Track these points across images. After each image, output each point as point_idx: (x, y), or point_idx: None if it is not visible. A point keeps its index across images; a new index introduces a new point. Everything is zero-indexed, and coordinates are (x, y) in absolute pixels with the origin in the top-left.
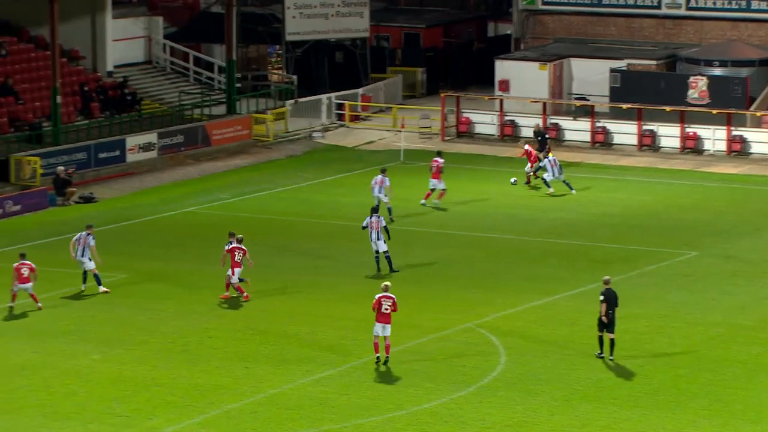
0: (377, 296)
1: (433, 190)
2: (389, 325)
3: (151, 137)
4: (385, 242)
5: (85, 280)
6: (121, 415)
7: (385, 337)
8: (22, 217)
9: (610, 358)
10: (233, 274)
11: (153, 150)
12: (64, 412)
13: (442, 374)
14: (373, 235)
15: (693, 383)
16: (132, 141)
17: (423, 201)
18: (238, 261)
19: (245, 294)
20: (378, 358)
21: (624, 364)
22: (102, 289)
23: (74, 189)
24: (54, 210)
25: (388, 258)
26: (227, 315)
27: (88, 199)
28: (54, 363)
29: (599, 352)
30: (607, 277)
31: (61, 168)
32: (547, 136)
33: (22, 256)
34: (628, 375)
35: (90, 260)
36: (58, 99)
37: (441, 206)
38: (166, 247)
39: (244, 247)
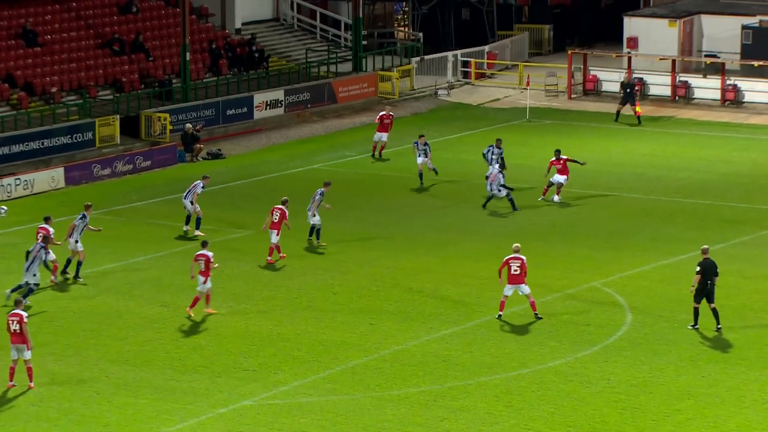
0: (507, 257)
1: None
2: (524, 285)
3: (278, 94)
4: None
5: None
6: (248, 369)
7: (527, 296)
8: (151, 173)
9: (718, 327)
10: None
11: (280, 107)
12: (192, 365)
13: (567, 333)
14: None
15: None
16: (259, 98)
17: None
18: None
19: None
20: (500, 315)
21: (753, 324)
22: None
23: (202, 145)
24: (183, 166)
25: (510, 200)
26: (352, 271)
27: (215, 155)
28: (183, 317)
29: (693, 324)
30: (705, 247)
31: (189, 125)
32: (636, 89)
33: (46, 220)
34: (757, 336)
35: (76, 242)
36: (188, 56)
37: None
38: (291, 204)
39: (285, 209)
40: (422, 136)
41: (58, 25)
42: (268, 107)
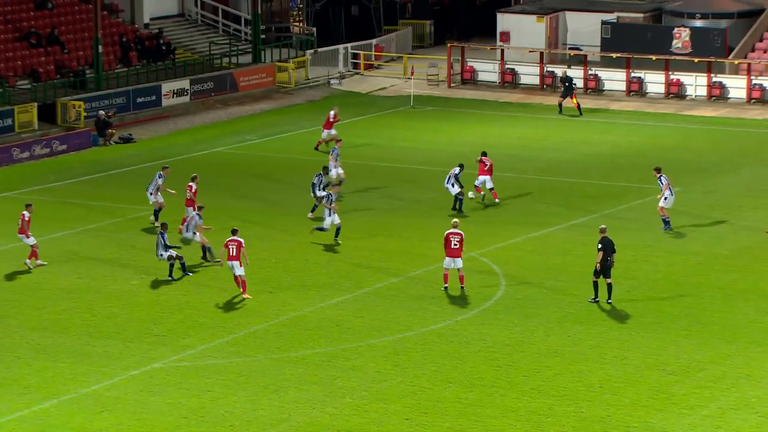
0: (446, 233)
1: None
2: (459, 259)
3: (184, 83)
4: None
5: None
6: (158, 334)
7: (458, 269)
8: (67, 156)
9: (608, 301)
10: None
11: (186, 95)
12: (106, 331)
13: (448, 299)
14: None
15: (674, 307)
16: (167, 87)
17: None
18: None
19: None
20: (446, 287)
21: (613, 289)
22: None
23: (114, 131)
24: (96, 149)
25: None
26: (253, 245)
27: (127, 140)
28: (97, 288)
29: (594, 297)
30: (603, 226)
31: (102, 111)
32: (574, 83)
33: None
34: (616, 300)
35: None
36: (100, 48)
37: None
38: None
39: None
40: (339, 140)
41: None
42: (174, 95)
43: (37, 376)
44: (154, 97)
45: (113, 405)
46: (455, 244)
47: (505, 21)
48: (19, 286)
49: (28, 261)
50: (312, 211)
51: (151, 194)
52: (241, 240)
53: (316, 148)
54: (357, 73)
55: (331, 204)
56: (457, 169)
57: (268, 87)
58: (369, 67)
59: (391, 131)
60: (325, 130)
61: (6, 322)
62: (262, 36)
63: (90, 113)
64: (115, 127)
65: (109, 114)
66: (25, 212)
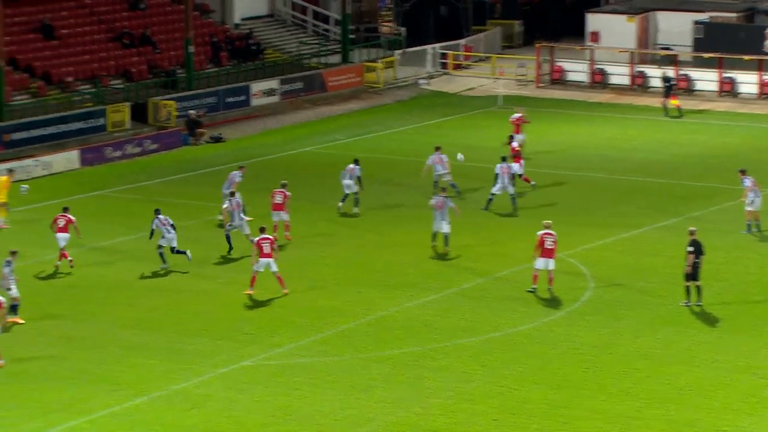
0: (540, 233)
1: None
2: (552, 260)
3: (274, 83)
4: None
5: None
6: (247, 332)
7: (549, 271)
8: (158, 155)
9: (698, 304)
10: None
11: (275, 95)
12: (195, 329)
13: (536, 300)
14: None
15: (766, 309)
16: (256, 87)
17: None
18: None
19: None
20: (534, 289)
21: (704, 292)
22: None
23: (204, 130)
24: (186, 149)
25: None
26: (341, 244)
27: (216, 139)
28: (186, 286)
29: (686, 301)
30: (693, 228)
31: (192, 111)
32: (673, 83)
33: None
34: (707, 302)
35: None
36: (191, 48)
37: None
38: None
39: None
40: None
41: (74, 20)
42: (264, 95)
43: (128, 373)
44: (243, 97)
45: (203, 402)
46: (549, 245)
47: (594, 21)
48: (110, 284)
49: (59, 262)
50: (342, 201)
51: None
52: (272, 237)
53: (519, 162)
54: (445, 74)
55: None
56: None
57: (357, 87)
58: (457, 67)
59: (479, 131)
60: (517, 135)
61: (97, 320)
62: (352, 36)
63: (181, 113)
64: (206, 126)
65: (200, 114)
66: (68, 215)
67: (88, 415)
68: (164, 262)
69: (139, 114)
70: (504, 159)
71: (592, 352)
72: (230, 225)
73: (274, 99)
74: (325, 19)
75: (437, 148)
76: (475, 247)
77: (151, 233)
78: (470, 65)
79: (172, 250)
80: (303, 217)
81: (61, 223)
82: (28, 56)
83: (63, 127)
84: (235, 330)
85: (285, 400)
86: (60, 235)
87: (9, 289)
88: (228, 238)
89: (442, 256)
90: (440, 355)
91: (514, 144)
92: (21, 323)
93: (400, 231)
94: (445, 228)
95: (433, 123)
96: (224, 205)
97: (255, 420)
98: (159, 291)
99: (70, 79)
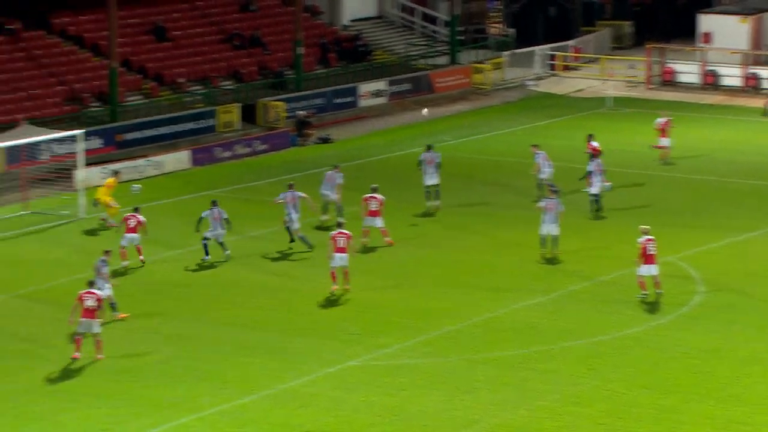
0: (641, 240)
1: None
2: (656, 265)
3: (381, 84)
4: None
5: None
6: (353, 333)
7: (653, 276)
8: (267, 156)
9: None
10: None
11: (383, 96)
12: (301, 329)
13: (643, 304)
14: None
15: None
16: (364, 88)
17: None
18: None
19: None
20: (645, 294)
21: None
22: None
23: (312, 131)
24: (295, 150)
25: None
26: (445, 245)
27: (324, 140)
28: (293, 285)
29: None
30: None
31: (301, 112)
32: None
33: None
34: None
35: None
36: (300, 50)
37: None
38: (393, 183)
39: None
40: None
41: (186, 22)
42: (372, 96)
43: (236, 371)
44: (351, 98)
45: (310, 401)
46: (652, 251)
47: (706, 21)
48: (217, 283)
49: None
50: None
51: (327, 193)
52: (349, 233)
53: (665, 160)
54: (553, 75)
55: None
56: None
57: (464, 88)
58: (566, 68)
59: (587, 133)
60: (663, 139)
61: (206, 318)
62: (460, 37)
63: (289, 113)
64: (314, 127)
65: (308, 114)
66: (138, 216)
67: (197, 413)
68: (206, 254)
69: (249, 115)
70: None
71: (702, 356)
72: (288, 217)
73: (382, 100)
74: (433, 21)
75: (535, 146)
76: (582, 250)
77: (199, 221)
78: (579, 66)
79: (222, 244)
80: (408, 219)
81: (132, 223)
82: (142, 57)
83: (174, 128)
84: (341, 330)
85: (391, 400)
86: (129, 235)
87: (101, 289)
88: (288, 229)
89: (549, 259)
90: (546, 358)
91: (594, 143)
92: (125, 317)
93: (505, 233)
94: (554, 230)
95: (541, 125)
96: (279, 198)
97: (362, 420)
98: (265, 290)
99: (181, 80)
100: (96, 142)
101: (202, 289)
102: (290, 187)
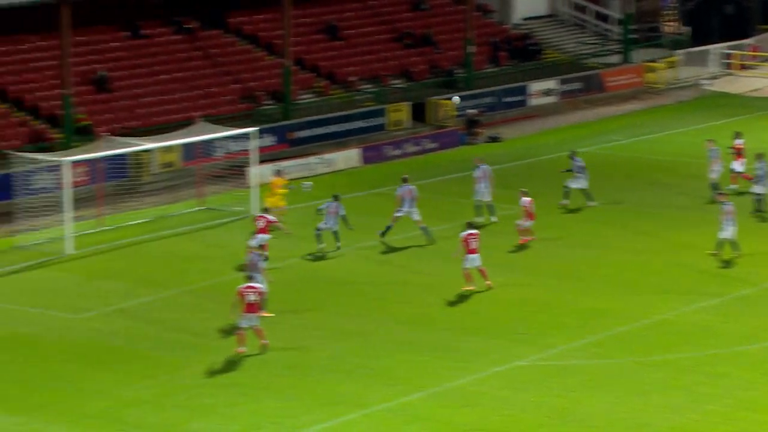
0: None
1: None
2: None
3: (552, 83)
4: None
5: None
6: (520, 332)
7: None
8: (436, 154)
9: None
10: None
11: (553, 95)
12: (469, 328)
13: None
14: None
15: None
16: (534, 87)
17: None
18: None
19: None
20: None
21: None
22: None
23: (482, 130)
24: (464, 148)
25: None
26: (614, 246)
27: (494, 139)
28: (458, 284)
29: None
30: None
31: (471, 110)
32: None
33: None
34: None
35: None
36: (471, 48)
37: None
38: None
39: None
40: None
41: (358, 21)
42: (542, 95)
43: (403, 368)
44: (521, 97)
45: (477, 400)
46: None
47: None
48: (384, 280)
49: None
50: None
51: (481, 193)
52: (477, 231)
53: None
54: (729, 74)
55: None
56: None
57: (636, 87)
58: (742, 67)
59: (765, 134)
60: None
61: (373, 315)
62: (633, 36)
63: (459, 112)
64: (483, 126)
65: (478, 113)
66: (268, 216)
67: (364, 409)
68: (320, 242)
69: (419, 113)
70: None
71: None
72: (399, 210)
73: (552, 99)
74: (605, 19)
75: (710, 141)
76: (756, 254)
77: (319, 211)
78: (756, 65)
79: (335, 234)
80: (576, 218)
81: (261, 224)
82: (314, 56)
83: (345, 126)
84: (509, 330)
85: (560, 401)
86: (260, 236)
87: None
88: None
89: (725, 262)
90: (719, 362)
91: (738, 141)
92: (270, 316)
93: (676, 234)
94: (733, 233)
95: (716, 125)
96: (397, 192)
97: (529, 420)
98: (432, 289)
99: (353, 78)
100: (269, 140)
101: (367, 286)
102: (404, 181)
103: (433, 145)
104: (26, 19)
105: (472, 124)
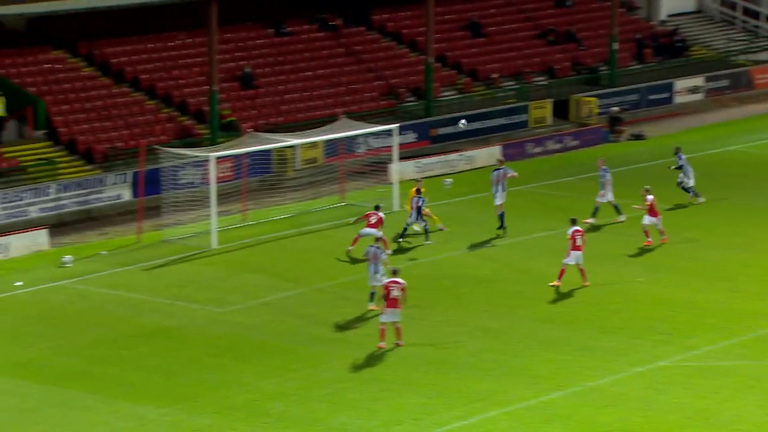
0: None
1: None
2: None
3: (698, 81)
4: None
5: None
6: (663, 332)
7: None
8: (578, 152)
9: None
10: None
11: (699, 92)
12: (611, 327)
13: None
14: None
15: None
16: (680, 84)
17: None
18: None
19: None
20: None
21: None
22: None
23: (625, 127)
24: (607, 146)
25: None
26: (762, 248)
27: (637, 137)
28: (603, 283)
29: None
30: None
31: (614, 108)
32: None
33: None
34: None
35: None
36: (615, 45)
37: None
38: (711, 181)
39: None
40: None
41: (501, 18)
42: (687, 93)
43: (544, 366)
44: (666, 95)
45: (618, 400)
46: None
47: None
48: (528, 278)
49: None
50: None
51: (603, 194)
52: (582, 229)
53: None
54: None
55: None
56: None
57: None
58: None
59: None
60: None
61: (515, 313)
62: None
63: (602, 110)
64: (627, 123)
65: (621, 111)
66: (380, 213)
67: (505, 407)
68: (401, 236)
69: (561, 110)
70: None
71: None
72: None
73: (698, 96)
74: (755, 15)
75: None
76: None
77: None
78: None
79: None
80: (724, 218)
81: (373, 220)
82: (456, 53)
83: (486, 123)
84: (651, 329)
85: (703, 402)
86: (367, 230)
87: (377, 273)
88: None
89: None
90: None
91: None
92: (376, 310)
93: None
94: None
95: None
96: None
97: (672, 421)
98: (570, 286)
99: (495, 75)
100: (410, 137)
101: (512, 284)
102: (501, 162)
103: (575, 143)
104: (175, 16)
105: (614, 121)
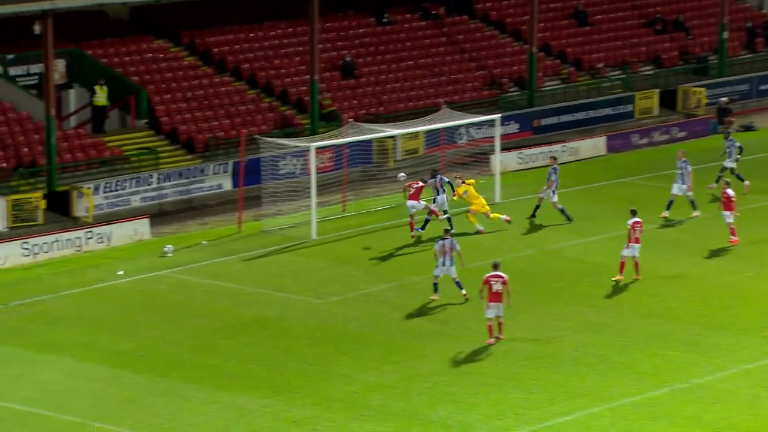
0: None
1: None
2: None
3: None
4: None
5: None
6: None
7: None
8: (685, 143)
9: None
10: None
11: None
12: (718, 322)
13: None
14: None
15: None
16: None
17: None
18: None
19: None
20: None
21: None
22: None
23: (734, 118)
24: (715, 137)
25: None
26: None
27: (747, 128)
28: (709, 277)
29: None
30: None
31: (723, 98)
32: None
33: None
34: None
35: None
36: (725, 34)
37: None
38: None
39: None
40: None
41: (607, 6)
42: None
43: (649, 362)
44: None
45: (726, 397)
46: None
47: None
48: (633, 272)
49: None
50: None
51: (683, 188)
52: (640, 219)
53: None
54: None
55: None
56: None
57: None
58: None
59: None
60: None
61: (618, 308)
62: None
63: (711, 100)
64: (736, 114)
65: (729, 101)
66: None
67: (608, 403)
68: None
69: (668, 101)
70: None
71: None
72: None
73: None
74: None
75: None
76: None
77: (441, 211)
78: None
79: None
80: None
81: (412, 189)
82: (561, 42)
83: (591, 113)
84: (760, 325)
85: None
86: (411, 202)
87: (444, 264)
88: (562, 210)
89: None
90: None
91: None
92: (435, 298)
93: None
94: None
95: None
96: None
97: None
98: (679, 281)
99: (600, 65)
100: (513, 127)
101: (610, 278)
102: (554, 159)
103: (682, 134)
104: (276, 5)
105: (723, 112)
